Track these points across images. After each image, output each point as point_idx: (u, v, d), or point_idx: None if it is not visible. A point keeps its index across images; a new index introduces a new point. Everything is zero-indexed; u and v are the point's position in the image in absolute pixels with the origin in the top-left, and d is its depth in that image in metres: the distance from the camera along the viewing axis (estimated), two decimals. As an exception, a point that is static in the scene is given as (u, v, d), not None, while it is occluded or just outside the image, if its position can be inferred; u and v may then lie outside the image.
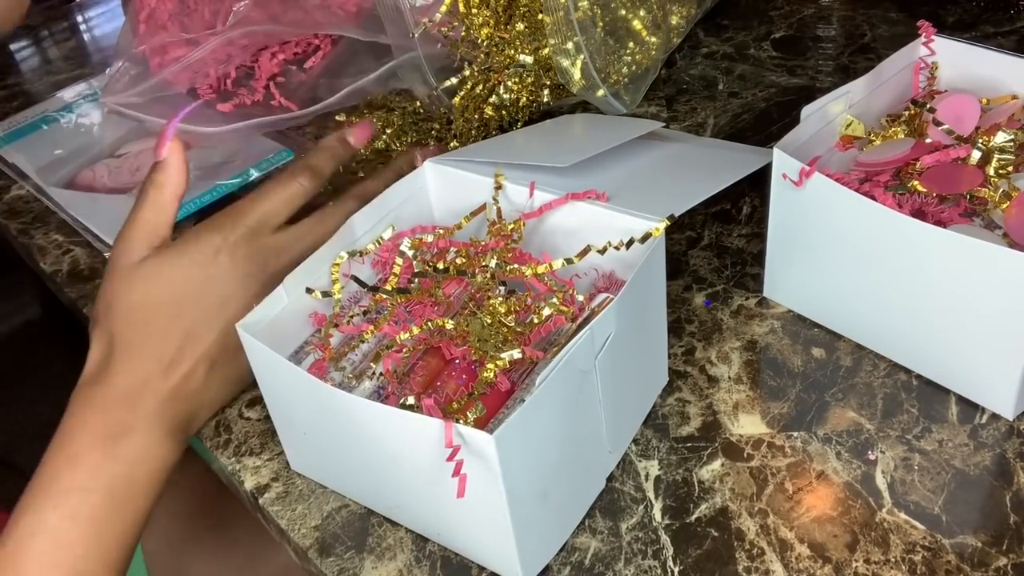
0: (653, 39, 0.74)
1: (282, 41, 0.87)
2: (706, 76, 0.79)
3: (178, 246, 0.50)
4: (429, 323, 0.46)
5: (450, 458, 0.38)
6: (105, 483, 0.46)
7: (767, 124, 0.72)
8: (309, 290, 0.49)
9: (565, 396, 0.42)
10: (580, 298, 0.47)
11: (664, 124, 0.65)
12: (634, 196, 0.50)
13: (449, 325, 0.46)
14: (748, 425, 0.50)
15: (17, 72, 0.95)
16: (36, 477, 0.46)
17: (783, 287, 0.56)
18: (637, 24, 0.72)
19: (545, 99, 0.74)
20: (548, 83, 0.74)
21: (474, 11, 0.72)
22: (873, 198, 0.48)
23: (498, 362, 0.44)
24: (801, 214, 0.51)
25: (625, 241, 0.48)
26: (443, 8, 0.72)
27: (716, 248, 0.61)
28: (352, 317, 0.49)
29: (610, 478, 0.48)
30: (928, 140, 0.54)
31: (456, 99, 0.74)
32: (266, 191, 0.53)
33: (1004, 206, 0.50)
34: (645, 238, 0.47)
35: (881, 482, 0.46)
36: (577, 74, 0.69)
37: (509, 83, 0.73)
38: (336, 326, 0.49)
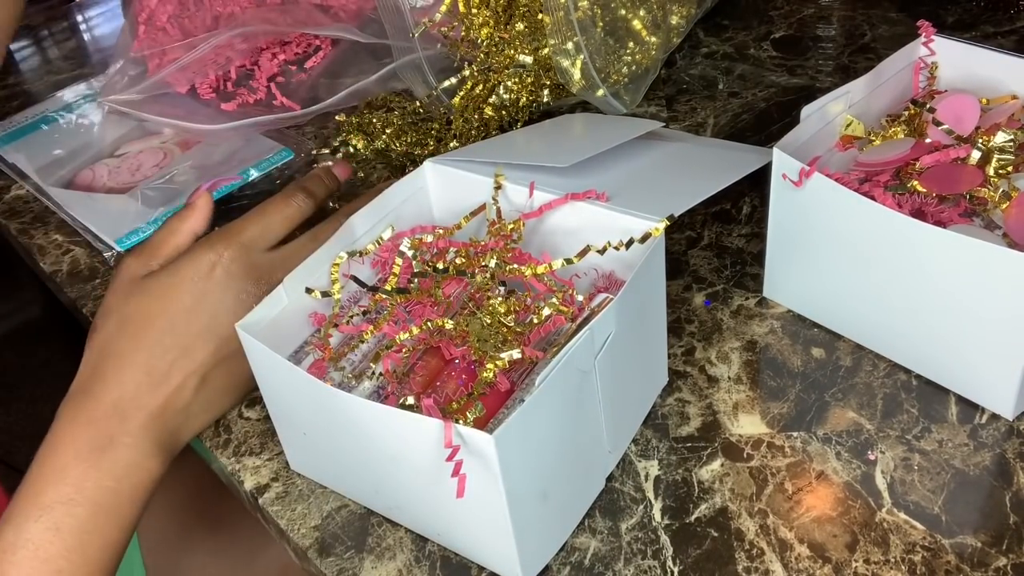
0: (653, 39, 0.74)
1: (282, 42, 0.87)
2: (706, 76, 0.79)
3: (175, 263, 0.51)
4: (429, 323, 0.46)
5: (450, 458, 0.38)
6: (90, 496, 0.45)
7: (767, 124, 0.72)
8: (309, 290, 0.49)
9: (565, 396, 0.42)
10: (580, 298, 0.47)
11: (664, 124, 0.65)
12: (634, 196, 0.50)
13: (449, 325, 0.46)
14: (748, 425, 0.50)
15: (17, 72, 0.95)
16: (22, 488, 0.46)
17: (783, 287, 0.56)
18: (637, 24, 0.72)
19: (545, 99, 0.74)
20: (548, 83, 0.74)
21: (474, 11, 0.73)
22: (873, 198, 0.48)
23: (498, 362, 0.44)
24: (801, 214, 0.51)
25: (625, 241, 0.48)
26: (443, 8, 0.72)
27: (716, 248, 0.61)
28: (352, 317, 0.49)
29: (610, 478, 0.48)
30: (928, 140, 0.54)
31: (456, 99, 0.74)
32: (263, 210, 0.54)
33: (1004, 206, 0.50)
34: (645, 238, 0.47)
35: (881, 482, 0.46)
36: (577, 74, 0.69)
37: (509, 83, 0.73)
38: (336, 326, 0.49)
